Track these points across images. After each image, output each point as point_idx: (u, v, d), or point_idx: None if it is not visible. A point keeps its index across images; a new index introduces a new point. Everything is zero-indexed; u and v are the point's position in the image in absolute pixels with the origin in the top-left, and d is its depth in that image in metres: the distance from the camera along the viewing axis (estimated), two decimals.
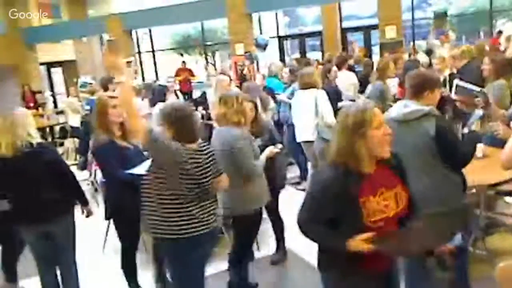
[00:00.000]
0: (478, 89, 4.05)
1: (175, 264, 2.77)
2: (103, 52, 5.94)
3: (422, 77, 2.81)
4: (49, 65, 15.84)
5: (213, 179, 2.68)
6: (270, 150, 3.48)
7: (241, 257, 3.43)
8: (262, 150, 3.37)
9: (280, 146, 3.64)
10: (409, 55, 8.95)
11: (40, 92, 13.17)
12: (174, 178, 2.55)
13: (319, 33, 13.72)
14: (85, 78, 10.29)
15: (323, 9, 13.22)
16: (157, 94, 6.62)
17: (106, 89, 6.74)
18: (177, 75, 11.98)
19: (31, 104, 12.42)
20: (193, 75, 12.68)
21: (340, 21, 13.34)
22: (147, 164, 2.74)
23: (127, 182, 3.07)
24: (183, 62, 13.24)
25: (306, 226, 2.03)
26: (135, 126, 2.53)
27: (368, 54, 11.85)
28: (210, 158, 2.67)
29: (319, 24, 14.48)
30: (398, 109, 2.72)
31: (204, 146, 2.67)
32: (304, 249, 4.01)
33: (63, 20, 15.66)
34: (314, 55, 13.88)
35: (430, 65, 7.05)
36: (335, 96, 5.72)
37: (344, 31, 13.40)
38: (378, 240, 1.89)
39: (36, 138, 3.15)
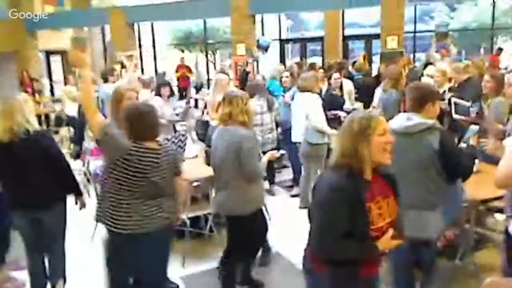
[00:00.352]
0: (469, 104, 4.14)
1: (111, 257, 2.84)
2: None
3: (424, 89, 2.84)
4: (49, 53, 15.75)
5: (169, 179, 2.70)
6: (271, 153, 3.52)
7: (239, 257, 3.42)
8: None
9: (282, 152, 3.69)
10: (404, 66, 8.98)
11: (37, 80, 13.10)
12: (120, 173, 2.60)
13: (321, 39, 13.77)
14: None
15: (326, 15, 13.27)
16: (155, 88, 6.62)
17: (106, 80, 6.72)
18: (176, 71, 12.01)
19: (29, 90, 12.37)
20: (190, 72, 12.70)
21: (343, 28, 13.39)
22: None
23: None
24: (182, 58, 13.23)
25: (333, 247, 1.97)
26: (91, 119, 2.72)
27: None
28: (165, 158, 2.68)
29: (321, 29, 14.52)
30: (400, 122, 2.74)
31: (161, 145, 2.70)
32: (289, 250, 4.05)
33: (65, 9, 15.58)
34: (314, 60, 13.92)
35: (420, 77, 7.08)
36: (334, 103, 5.75)
37: (345, 38, 13.45)
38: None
39: (34, 125, 3.15)
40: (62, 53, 15.87)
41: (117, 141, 2.62)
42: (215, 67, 17.98)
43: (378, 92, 5.96)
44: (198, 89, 13.31)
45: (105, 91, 6.55)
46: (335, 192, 1.94)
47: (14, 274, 3.90)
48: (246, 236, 3.30)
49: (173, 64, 15.26)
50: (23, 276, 3.79)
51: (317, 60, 13.28)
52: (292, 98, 5.57)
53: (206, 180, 4.04)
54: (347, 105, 6.20)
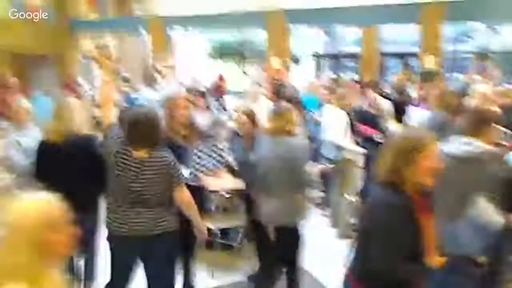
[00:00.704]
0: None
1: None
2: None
3: (481, 113, 2.75)
4: (89, 57, 16.24)
5: (160, 190, 2.71)
6: (323, 166, 3.64)
7: (278, 269, 3.40)
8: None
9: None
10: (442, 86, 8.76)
11: (80, 84, 13.54)
12: (111, 176, 2.75)
13: (357, 55, 13.66)
14: (125, 73, 10.57)
15: (363, 31, 13.17)
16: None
17: (148, 86, 6.84)
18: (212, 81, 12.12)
19: (72, 94, 12.79)
20: (224, 81, 12.73)
21: (379, 45, 13.25)
22: (191, 168, 2.92)
23: None
24: (217, 68, 13.36)
25: (399, 267, 1.92)
26: (104, 117, 3.10)
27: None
28: (151, 169, 2.67)
29: (358, 45, 14.42)
30: (458, 145, 2.63)
31: (151, 155, 2.68)
32: (318, 268, 3.98)
33: (107, 17, 16.10)
34: (349, 76, 13.82)
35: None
36: (367, 120, 5.63)
37: (382, 55, 13.30)
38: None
39: (84, 128, 3.27)
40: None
41: (107, 144, 2.82)
42: (248, 79, 18.11)
43: (416, 112, 5.84)
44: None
45: (146, 96, 6.68)
46: (392, 209, 1.90)
47: None
48: (294, 247, 3.26)
49: (207, 73, 15.47)
50: None
51: (352, 77, 13.19)
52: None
53: (237, 192, 4.05)
54: (385, 124, 6.06)
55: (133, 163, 2.67)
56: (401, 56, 13.98)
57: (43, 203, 1.47)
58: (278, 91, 8.80)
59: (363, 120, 5.64)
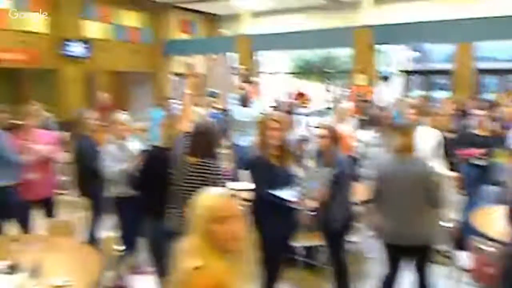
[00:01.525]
0: None
1: None
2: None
3: None
4: (180, 75, 17.21)
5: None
6: None
7: None
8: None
9: None
10: None
11: (170, 100, 14.39)
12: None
13: (449, 72, 12.97)
14: (213, 90, 11.01)
15: (457, 47, 12.50)
16: None
17: (242, 104, 6.97)
18: (295, 99, 12.19)
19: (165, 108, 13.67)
20: (307, 100, 12.70)
21: (474, 61, 12.47)
22: (294, 190, 2.85)
23: (270, 202, 3.19)
24: (298, 86, 13.42)
25: None
26: (182, 123, 3.41)
27: None
28: (200, 172, 3.03)
29: (449, 62, 13.71)
30: None
31: (200, 161, 3.03)
32: None
33: (198, 36, 17.00)
34: (440, 94, 13.14)
35: None
36: (468, 142, 5.12)
37: (477, 72, 12.48)
38: None
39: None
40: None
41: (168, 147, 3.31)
42: (332, 97, 17.97)
43: None
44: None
45: (239, 112, 6.80)
46: None
47: (137, 278, 4.21)
48: (423, 266, 3.20)
49: (290, 92, 15.61)
50: (144, 282, 4.11)
51: (444, 95, 12.53)
52: None
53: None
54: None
55: (185, 167, 3.09)
56: (498, 72, 13.03)
57: (214, 198, 1.67)
58: (362, 108, 8.62)
59: (469, 144, 5.08)
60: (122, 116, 4.16)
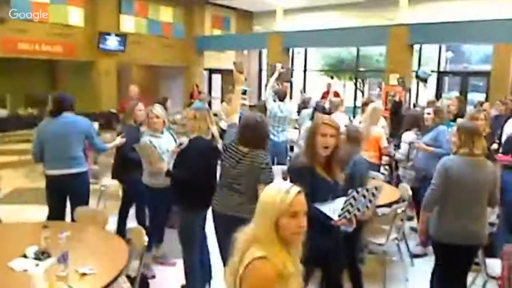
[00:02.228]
0: None
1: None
2: (276, 75, 6.97)
3: None
4: (211, 71, 17.35)
5: (247, 180, 3.18)
6: None
7: None
8: None
9: None
10: None
11: (204, 95, 14.57)
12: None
13: (486, 73, 12.56)
14: (244, 86, 10.91)
15: (496, 48, 12.08)
16: None
17: (281, 99, 6.95)
18: (322, 97, 12.02)
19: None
20: (338, 97, 12.53)
21: None
22: (338, 204, 2.67)
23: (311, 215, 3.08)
24: (329, 84, 13.23)
25: None
26: (231, 116, 3.58)
27: None
28: (248, 162, 3.18)
29: (487, 63, 13.28)
30: None
31: (250, 152, 3.19)
32: None
33: (230, 33, 17.07)
34: (475, 96, 12.75)
35: None
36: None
37: None
38: None
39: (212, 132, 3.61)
40: (222, 72, 17.36)
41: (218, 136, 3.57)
42: (363, 95, 17.72)
43: None
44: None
45: (276, 108, 6.79)
46: None
47: (161, 268, 4.29)
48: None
49: (320, 90, 15.48)
50: (168, 273, 4.17)
51: (480, 97, 12.14)
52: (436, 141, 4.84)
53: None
54: None
55: (234, 154, 3.25)
56: None
57: (288, 192, 1.71)
58: (394, 108, 8.44)
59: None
60: (157, 108, 4.21)
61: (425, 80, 9.61)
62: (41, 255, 2.66)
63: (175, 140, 4.26)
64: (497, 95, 10.75)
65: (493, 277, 3.36)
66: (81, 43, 12.65)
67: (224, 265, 3.68)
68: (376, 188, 2.65)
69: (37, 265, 2.56)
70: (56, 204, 4.15)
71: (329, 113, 6.24)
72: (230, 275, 1.72)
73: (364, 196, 2.61)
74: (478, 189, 3.14)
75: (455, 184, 3.13)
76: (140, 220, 4.54)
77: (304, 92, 13.42)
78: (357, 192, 2.56)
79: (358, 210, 2.65)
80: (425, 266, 4.19)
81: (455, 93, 12.66)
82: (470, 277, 3.67)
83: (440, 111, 5.18)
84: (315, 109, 6.56)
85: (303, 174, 2.79)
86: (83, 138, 4.22)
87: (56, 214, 4.11)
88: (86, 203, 4.22)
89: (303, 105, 7.65)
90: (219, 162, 3.43)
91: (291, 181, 2.62)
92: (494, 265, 3.39)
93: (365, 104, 6.28)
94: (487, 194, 3.16)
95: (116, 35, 13.11)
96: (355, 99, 15.58)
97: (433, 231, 3.26)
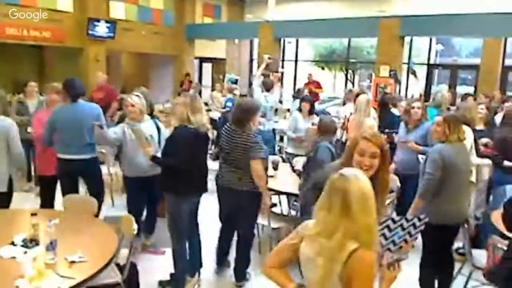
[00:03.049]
0: None
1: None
2: (264, 66, 6.94)
3: None
4: (202, 60, 17.21)
5: (244, 157, 3.52)
6: None
7: None
8: None
9: None
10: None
11: (195, 84, 14.48)
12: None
13: (475, 67, 12.67)
14: (232, 75, 10.94)
15: (485, 42, 12.18)
16: None
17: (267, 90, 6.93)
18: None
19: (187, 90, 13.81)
20: (320, 88, 12.48)
21: (503, 58, 12.13)
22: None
23: None
24: (310, 74, 13.18)
25: None
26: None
27: None
28: (240, 140, 3.53)
29: (476, 57, 13.38)
30: None
31: (240, 130, 3.56)
32: None
33: (221, 21, 16.93)
34: (464, 89, 12.86)
35: None
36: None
37: (505, 69, 12.15)
38: None
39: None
40: (213, 61, 17.25)
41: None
42: (353, 87, 17.77)
43: None
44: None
45: (262, 98, 6.76)
46: None
47: (150, 257, 4.28)
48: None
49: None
50: (157, 262, 4.17)
51: (468, 90, 12.24)
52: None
53: None
54: None
55: (229, 132, 3.62)
56: None
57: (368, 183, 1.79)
58: (383, 100, 8.47)
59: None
60: (133, 97, 4.13)
61: (414, 72, 9.65)
62: (29, 243, 2.65)
63: (158, 129, 4.21)
64: (486, 88, 10.87)
65: (479, 268, 3.42)
66: (70, 29, 12.43)
67: (220, 238, 3.98)
68: (419, 219, 2.09)
69: (25, 252, 2.54)
70: (69, 189, 4.12)
71: (312, 103, 6.30)
72: (327, 260, 1.72)
73: (403, 228, 2.08)
74: (466, 171, 3.50)
75: (451, 170, 3.33)
76: (130, 208, 4.54)
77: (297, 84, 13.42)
78: (394, 221, 2.06)
79: (394, 243, 2.09)
80: (412, 255, 4.23)
81: (445, 86, 12.77)
82: (456, 267, 3.75)
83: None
84: (303, 99, 6.56)
85: None
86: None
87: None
88: (103, 187, 4.37)
89: (297, 94, 7.64)
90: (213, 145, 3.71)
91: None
92: (480, 256, 3.45)
93: (356, 96, 6.28)
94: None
95: (106, 21, 12.91)
96: (343, 90, 15.60)
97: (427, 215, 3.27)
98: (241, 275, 3.85)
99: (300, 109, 6.22)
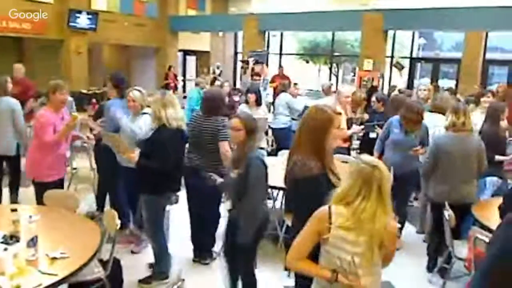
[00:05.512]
0: None
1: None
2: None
3: None
4: (186, 52, 17.05)
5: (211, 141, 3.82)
6: None
7: None
8: None
9: None
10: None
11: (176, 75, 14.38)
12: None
13: (457, 61, 12.82)
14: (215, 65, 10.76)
15: (467, 36, 12.33)
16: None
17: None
18: (272, 81, 11.90)
19: (172, 85, 13.68)
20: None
21: (484, 51, 12.30)
22: None
23: None
24: (280, 67, 13.10)
25: None
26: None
27: None
28: (207, 125, 3.85)
29: (457, 51, 13.54)
30: None
31: (207, 117, 3.88)
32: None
33: (205, 14, 16.78)
34: (445, 83, 13.01)
35: None
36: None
37: (486, 63, 12.33)
38: None
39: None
40: (197, 54, 17.11)
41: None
42: (337, 80, 17.84)
43: None
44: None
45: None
46: None
47: (132, 250, 4.25)
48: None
49: (294, 73, 15.42)
50: (140, 255, 4.15)
51: (450, 84, 12.39)
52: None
53: None
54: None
55: (197, 120, 3.92)
56: (507, 63, 12.87)
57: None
58: (369, 93, 8.53)
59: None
60: (135, 92, 4.10)
61: (402, 68, 9.73)
62: (9, 239, 2.60)
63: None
64: (467, 82, 11.04)
65: (460, 258, 3.48)
66: (51, 20, 12.16)
67: (192, 218, 4.07)
68: None
69: (5, 249, 2.49)
70: None
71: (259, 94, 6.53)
72: (370, 238, 1.96)
73: None
74: (463, 158, 3.74)
75: (443, 156, 3.79)
76: (112, 202, 4.51)
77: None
78: None
79: None
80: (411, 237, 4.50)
81: (427, 80, 12.90)
82: (439, 258, 3.82)
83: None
84: (248, 90, 6.86)
85: (314, 184, 2.25)
86: None
87: None
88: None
89: (283, 88, 7.66)
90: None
91: (303, 195, 2.28)
92: (462, 247, 3.51)
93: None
94: (475, 161, 3.76)
95: (87, 12, 12.68)
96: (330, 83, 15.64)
97: (429, 193, 4.03)
98: (204, 253, 4.08)
99: (247, 101, 6.39)
